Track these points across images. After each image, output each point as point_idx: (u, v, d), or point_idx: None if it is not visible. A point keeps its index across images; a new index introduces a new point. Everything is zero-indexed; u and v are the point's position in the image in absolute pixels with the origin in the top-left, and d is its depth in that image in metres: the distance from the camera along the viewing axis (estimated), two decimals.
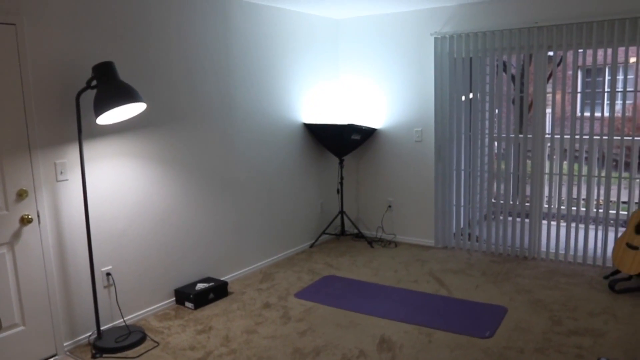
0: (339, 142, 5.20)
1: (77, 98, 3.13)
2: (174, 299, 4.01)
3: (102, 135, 3.43)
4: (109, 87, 3.04)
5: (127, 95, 3.05)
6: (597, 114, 4.38)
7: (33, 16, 3.03)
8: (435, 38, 4.95)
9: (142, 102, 3.16)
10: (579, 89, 4.47)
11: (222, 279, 4.42)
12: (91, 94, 3.34)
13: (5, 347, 3.02)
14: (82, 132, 3.23)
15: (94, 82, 3.22)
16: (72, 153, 3.28)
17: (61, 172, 3.23)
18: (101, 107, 3.01)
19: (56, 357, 3.26)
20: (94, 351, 3.28)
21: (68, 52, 3.21)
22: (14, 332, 3.06)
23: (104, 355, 3.25)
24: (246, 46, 4.46)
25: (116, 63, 3.48)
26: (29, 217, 3.06)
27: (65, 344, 3.32)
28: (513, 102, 4.87)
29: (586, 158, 4.60)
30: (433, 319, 3.61)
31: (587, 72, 4.41)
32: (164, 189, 3.87)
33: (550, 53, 4.61)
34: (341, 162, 5.46)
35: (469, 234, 5.22)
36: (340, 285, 4.30)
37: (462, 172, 5.14)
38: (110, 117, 3.16)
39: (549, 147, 4.76)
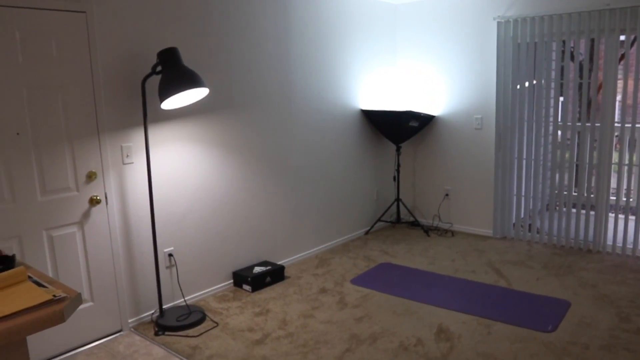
0: (396, 128, 5.13)
1: (142, 83, 3.21)
2: (232, 281, 4.10)
3: (166, 120, 3.52)
4: (174, 72, 3.11)
5: (190, 80, 3.11)
6: None
7: (102, 4, 3.12)
8: (499, 22, 4.79)
9: (205, 88, 3.21)
10: None
11: (279, 263, 4.48)
12: (156, 79, 3.42)
13: (77, 321, 3.17)
14: (147, 116, 3.31)
15: (159, 68, 3.30)
16: (138, 137, 3.38)
17: (127, 156, 3.33)
18: (166, 92, 3.08)
19: (121, 332, 3.40)
20: (156, 328, 3.39)
21: (134, 39, 3.30)
22: (83, 307, 3.21)
23: (166, 332, 3.36)
24: (305, 32, 4.45)
25: (180, 49, 3.54)
26: (97, 198, 3.18)
27: (129, 321, 3.45)
28: (580, 88, 4.67)
29: None
30: (492, 311, 3.54)
31: None
32: (224, 174, 3.94)
33: (622, 37, 4.37)
34: (398, 149, 5.40)
35: (529, 225, 5.06)
36: (396, 273, 4.27)
37: (524, 161, 4.98)
38: (174, 102, 3.23)
39: (617, 136, 4.54)
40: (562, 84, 4.68)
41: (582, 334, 3.18)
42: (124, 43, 3.24)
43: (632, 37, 4.25)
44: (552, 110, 4.73)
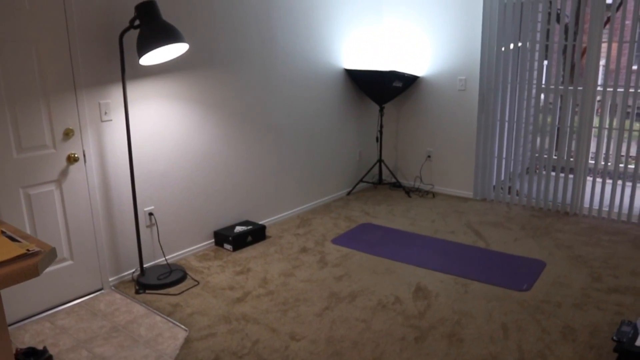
0: (380, 89, 5.10)
1: (120, 38, 3.12)
2: (213, 240, 4.11)
3: (145, 77, 3.44)
4: (152, 26, 3.02)
5: (170, 35, 3.02)
6: None
7: None
8: None
9: (185, 43, 3.13)
10: (637, 39, 4.22)
11: (261, 222, 4.49)
12: (134, 34, 3.33)
13: (57, 279, 3.17)
14: (125, 72, 3.24)
15: (137, 22, 3.21)
16: (116, 94, 3.31)
17: (105, 113, 3.27)
18: (144, 47, 3.00)
19: (102, 291, 3.40)
20: (137, 287, 3.40)
21: None
22: (63, 265, 3.20)
23: (147, 291, 3.37)
24: None
25: (159, 3, 3.44)
26: (75, 155, 3.13)
27: (110, 279, 3.46)
28: (564, 52, 4.65)
29: (638, 114, 4.39)
30: (470, 270, 3.60)
31: None
32: (205, 132, 3.89)
33: (609, 0, 4.34)
34: (381, 110, 5.38)
35: (509, 187, 5.12)
36: (376, 233, 4.31)
37: (506, 124, 4.99)
38: (153, 57, 3.15)
39: (599, 100, 4.56)
40: (547, 47, 4.65)
41: (556, 293, 3.26)
42: None
43: (618, 4, 4.21)
44: (536, 73, 4.72)
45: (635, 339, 2.51)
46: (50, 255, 1.66)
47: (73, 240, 3.22)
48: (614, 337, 2.56)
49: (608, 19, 4.42)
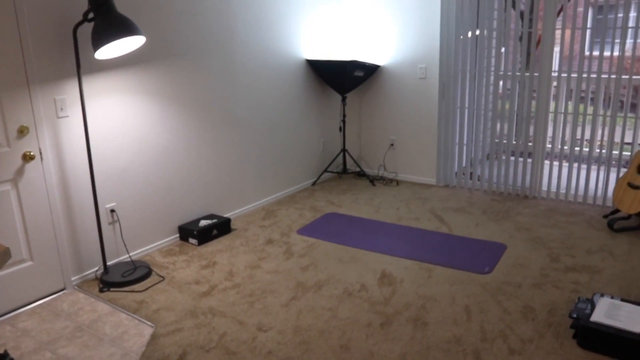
0: (341, 78, 5.11)
1: (74, 31, 3.05)
2: (178, 235, 4.07)
3: (101, 71, 3.37)
4: (107, 19, 2.96)
5: (125, 28, 2.97)
6: (606, 53, 4.28)
7: None
8: None
9: (141, 36, 3.08)
10: (588, 26, 4.35)
11: (226, 215, 4.47)
12: (89, 27, 3.25)
13: (16, 281, 3.09)
14: (80, 67, 3.16)
15: (91, 15, 3.13)
16: (72, 89, 3.23)
17: (61, 109, 3.19)
18: (99, 40, 2.94)
19: (64, 291, 3.34)
20: (101, 285, 3.35)
21: None
22: (22, 266, 3.12)
23: (111, 289, 3.33)
24: None
25: None
26: (31, 153, 3.05)
27: (73, 279, 3.39)
28: (520, 39, 4.75)
29: (592, 98, 4.53)
30: (433, 255, 3.68)
31: (599, 10, 4.26)
32: (166, 125, 3.84)
33: None
34: (344, 100, 5.40)
35: (471, 173, 5.23)
36: (342, 222, 4.35)
37: (466, 111, 5.09)
38: (109, 51, 3.09)
39: (554, 86, 4.68)
40: (503, 35, 4.74)
41: (516, 274, 3.36)
42: None
43: None
44: (493, 60, 4.82)
45: (590, 314, 2.61)
46: (4, 256, 1.63)
47: (32, 240, 3.14)
48: (571, 314, 2.66)
49: (561, 8, 4.53)
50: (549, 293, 3.11)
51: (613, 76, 4.29)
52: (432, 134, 5.27)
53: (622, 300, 2.74)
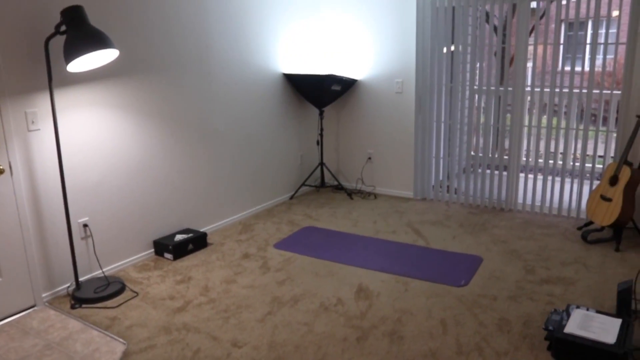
0: (319, 92, 5.13)
1: (45, 44, 3.01)
2: (153, 250, 4.01)
3: (74, 84, 3.33)
4: (79, 32, 2.93)
5: (98, 41, 2.94)
6: (578, 68, 4.37)
7: None
8: None
9: (114, 49, 3.05)
10: (560, 42, 4.44)
11: (202, 230, 4.42)
12: (61, 39, 3.21)
13: None
14: (52, 80, 3.12)
15: (63, 27, 3.10)
16: (44, 102, 3.18)
17: (32, 122, 3.14)
18: (71, 53, 2.90)
19: (35, 307, 3.26)
20: (72, 301, 3.28)
21: None
22: None
23: (83, 305, 3.26)
24: None
25: (86, 8, 3.33)
26: (1, 167, 2.99)
27: (43, 295, 3.31)
28: (495, 54, 4.83)
29: (565, 112, 4.61)
30: (410, 269, 3.67)
31: (570, 26, 4.36)
32: (140, 140, 3.80)
33: (534, 4, 4.54)
34: (321, 114, 5.41)
35: (448, 186, 5.26)
36: (319, 236, 4.33)
37: (442, 125, 5.13)
38: (82, 64, 3.05)
39: (529, 100, 4.76)
40: (478, 50, 4.81)
41: (492, 287, 3.37)
42: (23, 1, 3.00)
43: (543, 10, 4.42)
44: (468, 75, 4.88)
45: (563, 326, 2.63)
46: None
47: (1, 256, 3.06)
48: (546, 326, 2.67)
49: (533, 27, 4.62)
50: (524, 305, 3.13)
51: (585, 90, 4.38)
52: (409, 147, 5.30)
53: (597, 311, 2.76)
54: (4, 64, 2.96)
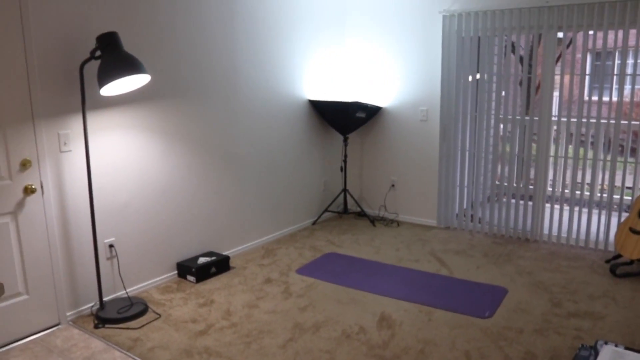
0: (343, 119, 5.17)
1: (80, 68, 3.10)
2: (176, 272, 4.04)
3: (105, 107, 3.41)
4: (113, 57, 3.02)
5: (131, 66, 3.02)
6: (605, 98, 4.33)
7: None
8: (444, 16, 4.88)
9: (146, 74, 3.13)
10: (587, 72, 4.41)
11: (224, 253, 4.44)
12: (95, 64, 3.31)
13: (10, 315, 3.05)
14: (85, 103, 3.21)
15: (98, 53, 3.20)
16: (76, 124, 3.27)
17: (65, 143, 3.22)
18: (105, 77, 2.99)
19: (59, 326, 3.29)
20: (96, 321, 3.31)
21: (72, 21, 3.17)
22: (18, 300, 3.09)
23: (107, 325, 3.28)
24: (250, 19, 4.40)
25: (120, 34, 3.44)
26: (33, 187, 3.06)
27: (68, 314, 3.35)
28: (520, 83, 4.82)
29: (592, 142, 4.56)
30: (433, 298, 3.63)
31: (597, 56, 4.34)
32: (167, 162, 3.86)
33: (560, 34, 4.54)
34: (345, 140, 5.44)
35: (472, 215, 5.21)
36: (341, 263, 4.31)
37: (467, 153, 5.11)
38: (114, 88, 3.14)
39: (555, 130, 4.72)
40: (503, 79, 4.81)
41: (517, 319, 3.30)
42: (61, 26, 3.11)
43: (569, 39, 4.41)
44: (494, 103, 4.87)
45: None
46: None
47: (29, 273, 3.12)
48: None
49: (560, 56, 4.61)
50: (551, 339, 3.06)
51: (612, 121, 4.33)
52: (433, 175, 5.28)
53: (626, 348, 2.69)
54: (41, 86, 3.06)
